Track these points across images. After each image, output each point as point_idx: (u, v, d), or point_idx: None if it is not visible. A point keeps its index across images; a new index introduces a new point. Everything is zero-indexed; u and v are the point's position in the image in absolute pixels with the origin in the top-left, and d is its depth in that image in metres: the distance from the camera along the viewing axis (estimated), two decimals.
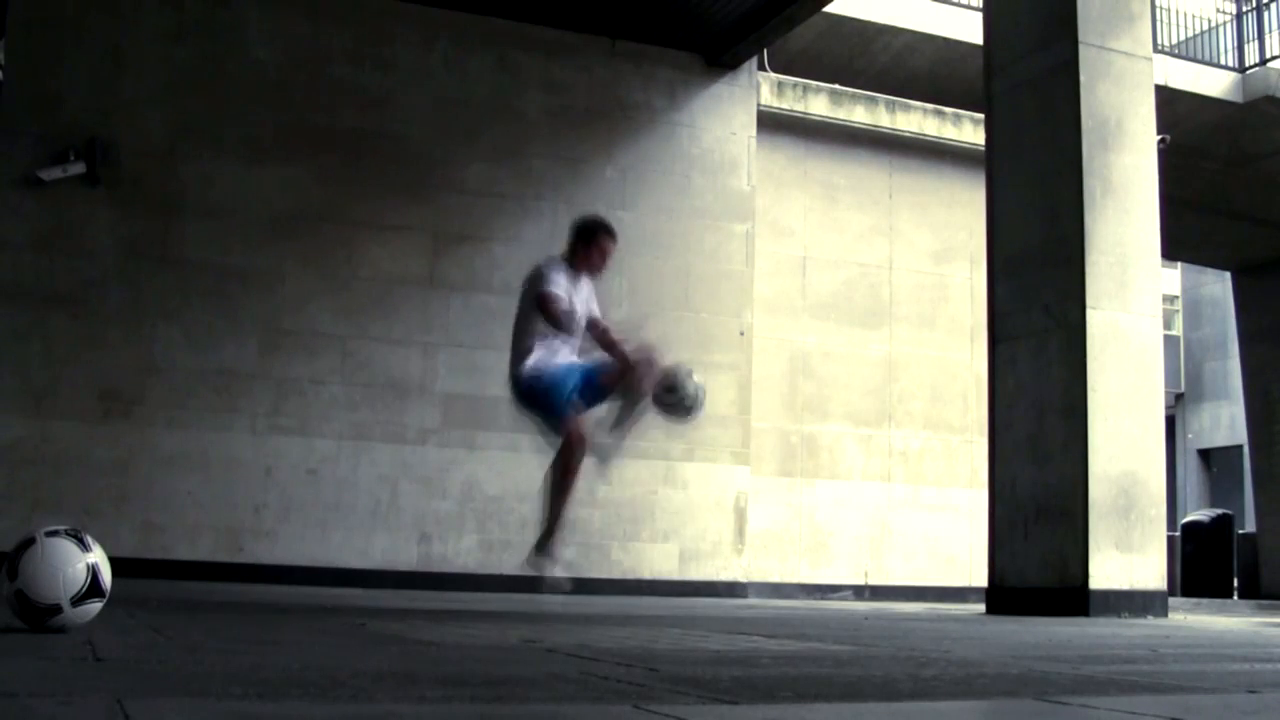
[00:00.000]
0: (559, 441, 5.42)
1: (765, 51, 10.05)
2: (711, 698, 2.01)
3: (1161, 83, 9.98)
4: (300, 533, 8.30)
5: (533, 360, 5.41)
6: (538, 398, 5.43)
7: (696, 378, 5.50)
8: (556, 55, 9.42)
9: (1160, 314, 6.45)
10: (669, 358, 5.76)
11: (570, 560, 5.25)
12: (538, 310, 5.40)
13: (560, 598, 5.70)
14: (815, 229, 10.53)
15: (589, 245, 5.61)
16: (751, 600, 8.83)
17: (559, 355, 5.45)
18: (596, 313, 5.68)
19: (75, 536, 2.86)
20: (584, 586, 8.74)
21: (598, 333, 5.69)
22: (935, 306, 10.83)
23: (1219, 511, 16.62)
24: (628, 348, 5.56)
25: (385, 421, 8.60)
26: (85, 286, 8.04)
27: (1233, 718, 1.94)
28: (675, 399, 5.48)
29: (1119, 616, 5.79)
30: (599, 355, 5.65)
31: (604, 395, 5.55)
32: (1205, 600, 12.99)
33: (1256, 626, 5.80)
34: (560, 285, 5.40)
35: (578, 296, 5.52)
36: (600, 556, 9.02)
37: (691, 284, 9.57)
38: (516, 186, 9.19)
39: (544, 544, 5.34)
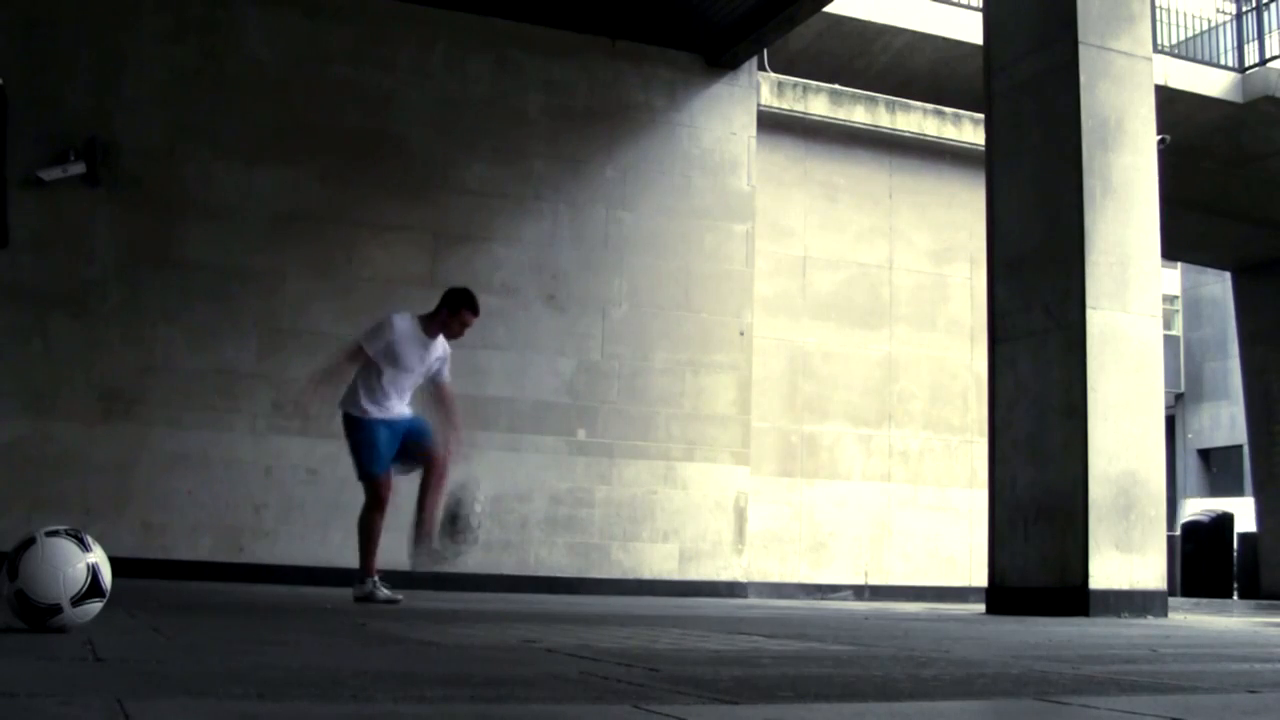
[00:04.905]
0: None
1: (765, 51, 10.04)
2: (711, 698, 2.01)
3: (1161, 83, 9.98)
4: (300, 533, 8.29)
5: (363, 402, 5.88)
6: (358, 445, 5.93)
7: (478, 506, 5.91)
8: (556, 55, 9.42)
9: (1160, 314, 6.45)
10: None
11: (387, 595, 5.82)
12: (341, 349, 6.03)
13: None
14: (815, 229, 10.53)
15: (453, 315, 6.03)
16: (751, 600, 8.83)
17: (388, 403, 5.91)
18: (446, 377, 6.14)
19: (75, 536, 2.86)
20: (584, 586, 8.76)
21: (440, 395, 6.18)
22: (935, 306, 10.83)
23: (1219, 511, 16.62)
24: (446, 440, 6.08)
25: None
26: (85, 286, 8.04)
27: (1233, 718, 1.94)
28: (459, 529, 5.86)
29: (1119, 616, 5.79)
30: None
31: (410, 463, 6.05)
32: (1205, 600, 12.99)
33: (1256, 626, 5.80)
34: (381, 347, 5.85)
35: (424, 354, 5.97)
36: (600, 556, 9.02)
37: (691, 284, 9.57)
38: (517, 186, 9.19)
39: (359, 585, 5.87)
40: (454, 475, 6.08)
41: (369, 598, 5.78)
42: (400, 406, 5.98)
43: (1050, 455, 6.17)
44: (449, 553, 5.96)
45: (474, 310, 6.10)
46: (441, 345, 6.08)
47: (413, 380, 6.01)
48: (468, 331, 6.16)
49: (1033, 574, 6.16)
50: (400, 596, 5.85)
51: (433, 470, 5.96)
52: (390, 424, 5.92)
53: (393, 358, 5.88)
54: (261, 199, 8.49)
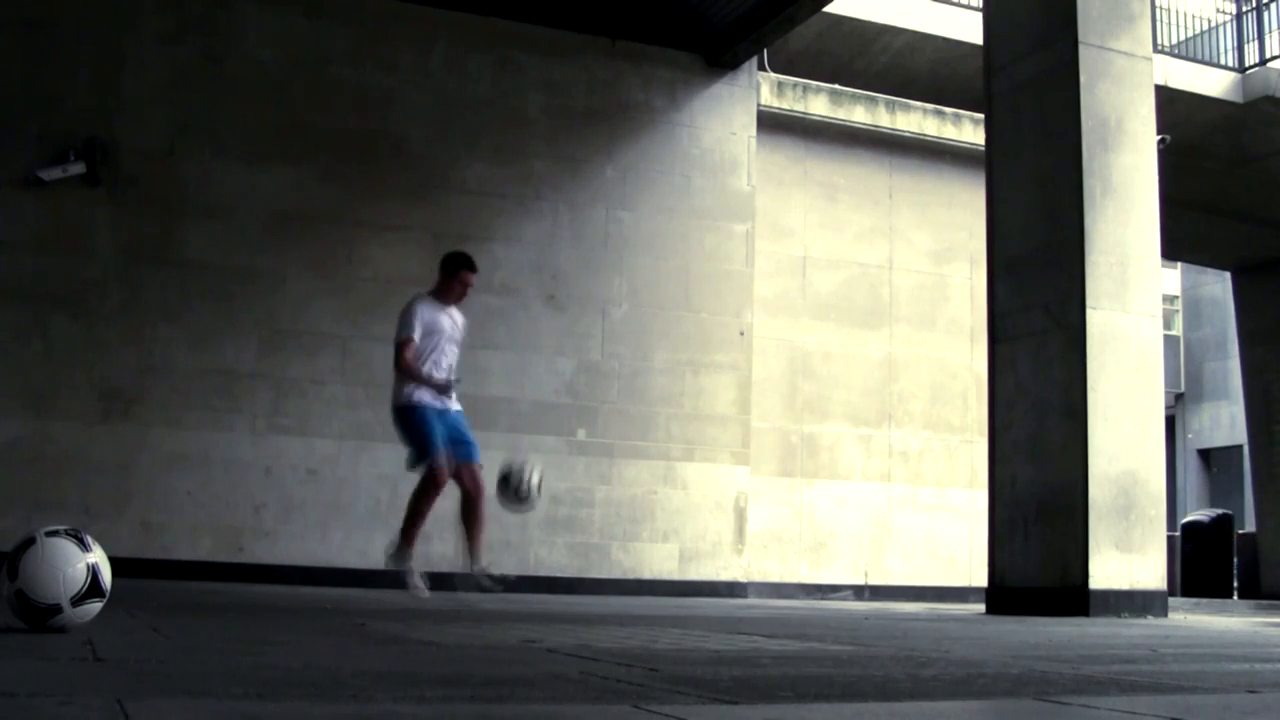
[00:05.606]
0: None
1: (765, 51, 10.04)
2: (711, 698, 2.01)
3: (1161, 83, 9.98)
4: (300, 533, 8.30)
5: (410, 389, 6.10)
6: (414, 432, 6.09)
7: (534, 473, 6.09)
8: (556, 55, 9.42)
9: (1160, 314, 6.45)
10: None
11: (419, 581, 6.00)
12: (396, 353, 6.24)
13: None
14: (815, 229, 10.53)
15: (451, 278, 6.29)
16: (751, 600, 8.83)
17: (437, 379, 6.19)
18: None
19: (75, 536, 2.86)
20: (584, 586, 8.76)
21: None
22: (935, 306, 10.83)
23: (1219, 511, 16.62)
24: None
25: (385, 421, 8.52)
26: (85, 286, 8.03)
27: (1233, 718, 1.94)
28: (510, 491, 6.08)
29: (1119, 616, 5.79)
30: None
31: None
32: (1205, 600, 12.99)
33: (1256, 626, 5.80)
34: (418, 325, 6.15)
35: (447, 323, 6.29)
36: (600, 556, 9.02)
37: (691, 284, 9.57)
38: (517, 186, 9.18)
39: (395, 554, 6.03)
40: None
41: (402, 570, 5.90)
42: (448, 388, 6.15)
43: (1050, 455, 6.17)
44: (519, 507, 6.19)
45: (471, 268, 6.30)
46: (457, 311, 6.35)
47: (452, 348, 6.21)
48: (470, 292, 6.37)
49: (1033, 574, 6.16)
50: (428, 594, 5.88)
51: (471, 491, 6.03)
52: (441, 414, 6.07)
53: (431, 329, 6.11)
54: (261, 199, 8.49)
